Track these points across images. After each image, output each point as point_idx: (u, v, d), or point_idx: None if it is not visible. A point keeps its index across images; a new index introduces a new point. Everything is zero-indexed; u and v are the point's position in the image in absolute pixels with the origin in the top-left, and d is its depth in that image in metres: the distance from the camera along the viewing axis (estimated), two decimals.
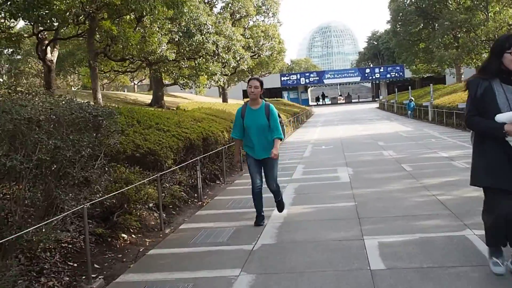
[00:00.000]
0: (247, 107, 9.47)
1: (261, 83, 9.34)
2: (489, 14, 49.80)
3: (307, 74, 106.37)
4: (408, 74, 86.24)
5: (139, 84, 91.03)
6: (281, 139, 9.23)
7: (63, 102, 8.58)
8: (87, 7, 21.06)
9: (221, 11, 45.32)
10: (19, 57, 57.11)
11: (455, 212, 9.41)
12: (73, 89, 67.94)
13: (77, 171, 8.09)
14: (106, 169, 9.35)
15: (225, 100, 50.13)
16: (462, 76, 60.76)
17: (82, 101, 9.58)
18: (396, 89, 70.43)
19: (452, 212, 9.40)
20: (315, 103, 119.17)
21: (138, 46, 25.31)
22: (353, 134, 32.41)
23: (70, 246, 8.38)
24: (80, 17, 22.43)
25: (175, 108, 37.26)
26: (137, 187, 10.33)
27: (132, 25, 24.32)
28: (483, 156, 5.82)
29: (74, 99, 9.33)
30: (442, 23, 52.82)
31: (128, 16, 23.08)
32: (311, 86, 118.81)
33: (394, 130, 32.95)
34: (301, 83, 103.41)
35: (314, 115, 70.86)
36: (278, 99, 77.20)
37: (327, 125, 44.84)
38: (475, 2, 52.45)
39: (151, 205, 11.35)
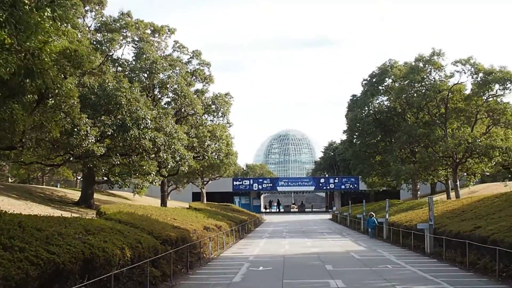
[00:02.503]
0: None
1: None
2: (448, 131, 47.91)
3: (261, 180, 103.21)
4: (362, 186, 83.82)
5: (81, 179, 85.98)
6: None
7: None
8: None
9: (166, 106, 42.07)
10: None
11: None
12: (9, 180, 62.92)
13: None
14: None
15: (163, 203, 45.79)
16: (418, 192, 58.20)
17: None
18: (350, 201, 67.45)
19: None
20: (267, 210, 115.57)
21: (34, 133, 21.27)
22: (300, 251, 28.44)
23: None
24: None
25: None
26: None
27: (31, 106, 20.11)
28: None
29: None
30: (400, 136, 50.65)
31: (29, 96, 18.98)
32: (264, 193, 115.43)
33: (346, 249, 29.11)
34: (254, 188, 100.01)
35: (264, 223, 66.78)
36: (228, 204, 73.09)
37: (274, 237, 40.78)
38: (434, 118, 50.77)
39: None
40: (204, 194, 76.20)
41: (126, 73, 40.69)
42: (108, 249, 13.10)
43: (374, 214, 39.77)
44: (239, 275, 19.29)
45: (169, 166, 36.93)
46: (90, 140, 31.50)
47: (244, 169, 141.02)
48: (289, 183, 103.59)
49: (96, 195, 49.93)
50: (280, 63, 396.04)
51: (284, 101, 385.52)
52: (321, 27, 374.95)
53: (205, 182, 76.06)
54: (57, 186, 64.35)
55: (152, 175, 36.32)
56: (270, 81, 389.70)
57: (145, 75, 39.41)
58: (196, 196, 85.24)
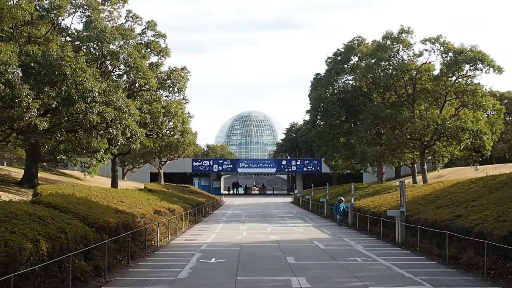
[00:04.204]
0: None
1: None
2: (415, 112, 45.91)
3: (221, 161, 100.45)
4: (325, 169, 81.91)
5: None
6: None
7: None
8: None
9: (117, 79, 38.85)
10: None
11: None
12: None
13: None
14: None
15: (114, 183, 42.64)
16: (383, 176, 56.39)
17: None
18: (312, 184, 65.30)
19: None
20: (228, 192, 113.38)
21: None
22: (259, 239, 26.01)
23: None
24: None
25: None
26: None
27: None
28: None
29: None
30: (366, 117, 48.43)
31: None
32: (225, 174, 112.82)
33: (309, 237, 26.74)
34: (214, 170, 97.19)
35: (223, 206, 64.28)
36: (187, 185, 70.18)
37: (232, 221, 38.30)
38: (401, 98, 48.75)
39: None
40: (162, 175, 73.28)
41: (76, 43, 37.42)
42: (14, 242, 10.33)
43: (343, 199, 36.05)
44: (186, 268, 16.65)
45: (119, 143, 34.00)
46: (32, 113, 28.49)
47: (205, 149, 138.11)
48: (250, 165, 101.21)
49: (44, 174, 46.72)
50: (243, 45, 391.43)
51: (247, 83, 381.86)
52: (282, 9, 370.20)
53: (162, 163, 73.15)
54: (3, 164, 60.52)
55: (101, 152, 33.45)
56: (233, 63, 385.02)
57: (94, 45, 36.16)
58: (154, 177, 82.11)
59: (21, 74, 30.22)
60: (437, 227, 19.65)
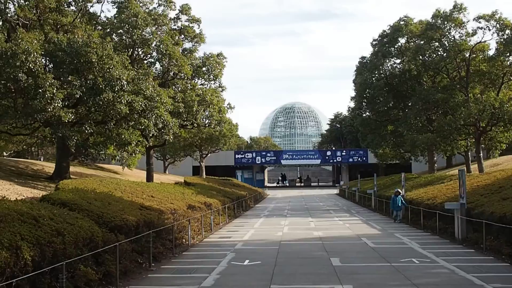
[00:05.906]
0: None
1: None
2: (469, 95, 42.49)
3: (264, 153, 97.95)
4: (372, 159, 78.82)
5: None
6: None
7: None
8: None
9: (149, 67, 36.76)
10: None
11: None
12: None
13: None
14: None
15: (149, 177, 40.65)
16: (435, 165, 52.95)
17: None
18: (358, 175, 62.38)
19: None
20: (277, 184, 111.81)
21: None
22: (300, 236, 23.55)
23: None
24: None
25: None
26: None
27: None
28: None
29: None
30: (415, 101, 45.15)
31: None
32: (268, 166, 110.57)
33: (356, 233, 24.13)
34: (257, 162, 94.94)
35: (266, 199, 62.14)
36: (229, 178, 68.15)
37: (274, 215, 35.97)
38: (454, 81, 45.30)
39: None
40: (203, 168, 71.49)
41: (107, 31, 35.53)
42: None
43: (401, 192, 31.22)
44: (214, 274, 14.34)
45: (150, 135, 31.98)
46: (56, 104, 26.67)
47: (248, 142, 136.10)
48: (294, 156, 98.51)
49: (79, 169, 45.22)
50: (283, 37, 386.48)
51: (290, 75, 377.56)
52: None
53: (204, 156, 71.31)
54: (40, 159, 59.58)
55: (132, 145, 31.42)
56: (275, 55, 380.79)
57: (124, 30, 34.15)
58: (196, 170, 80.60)
59: (47, 63, 28.55)
60: (506, 222, 16.88)
